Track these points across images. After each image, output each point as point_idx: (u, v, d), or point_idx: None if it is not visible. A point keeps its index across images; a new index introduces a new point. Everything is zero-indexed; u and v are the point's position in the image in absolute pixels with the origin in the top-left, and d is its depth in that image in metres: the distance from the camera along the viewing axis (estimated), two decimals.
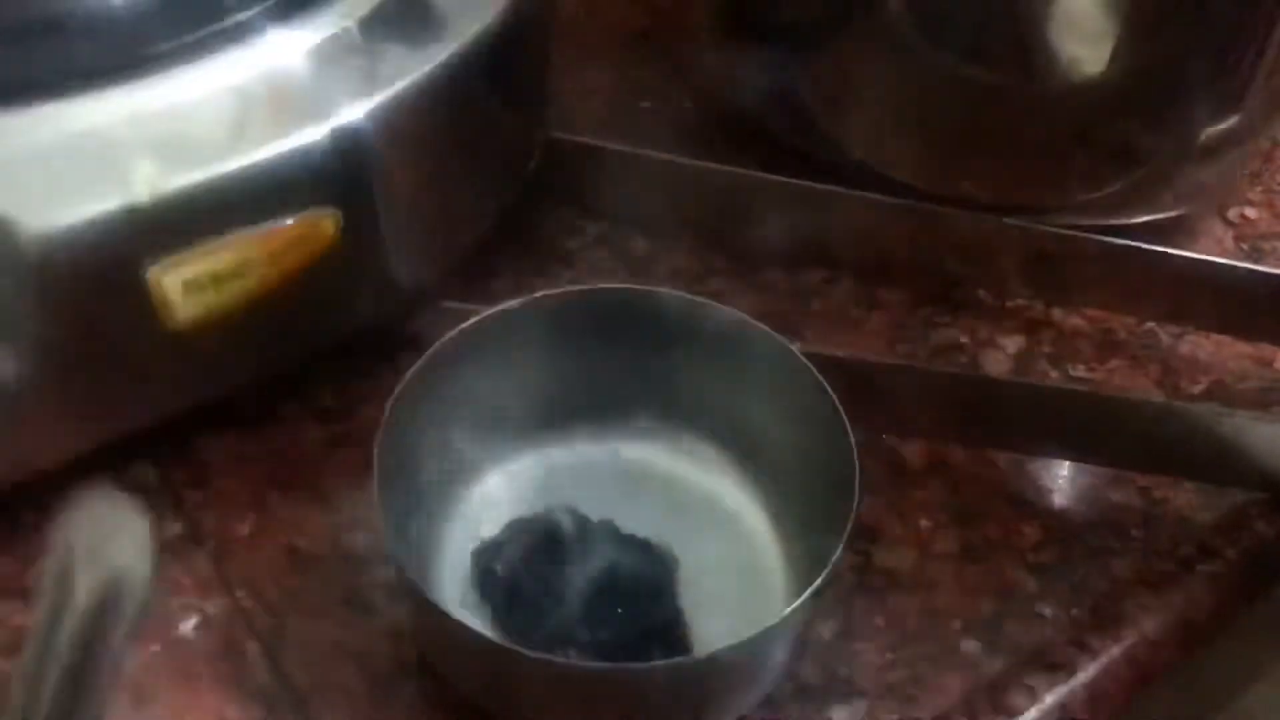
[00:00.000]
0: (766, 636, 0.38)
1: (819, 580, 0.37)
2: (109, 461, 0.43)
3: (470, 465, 0.45)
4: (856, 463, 0.39)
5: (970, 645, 0.43)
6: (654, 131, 0.62)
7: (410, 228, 0.46)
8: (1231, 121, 0.53)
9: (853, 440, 0.40)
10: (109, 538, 0.26)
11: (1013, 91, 0.52)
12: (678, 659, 0.39)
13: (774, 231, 0.56)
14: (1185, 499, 0.48)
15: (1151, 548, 0.46)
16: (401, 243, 0.46)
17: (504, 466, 0.46)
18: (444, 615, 0.37)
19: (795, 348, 0.43)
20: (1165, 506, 0.47)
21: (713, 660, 0.37)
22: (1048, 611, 0.44)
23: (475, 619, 0.42)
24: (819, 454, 0.42)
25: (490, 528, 0.44)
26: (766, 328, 0.43)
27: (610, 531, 0.44)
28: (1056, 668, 0.42)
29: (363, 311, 0.47)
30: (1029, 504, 0.47)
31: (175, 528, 0.45)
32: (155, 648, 0.41)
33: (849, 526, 0.38)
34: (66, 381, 0.40)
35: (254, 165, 0.39)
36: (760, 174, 0.56)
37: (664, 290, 0.45)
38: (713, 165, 0.56)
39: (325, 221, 0.42)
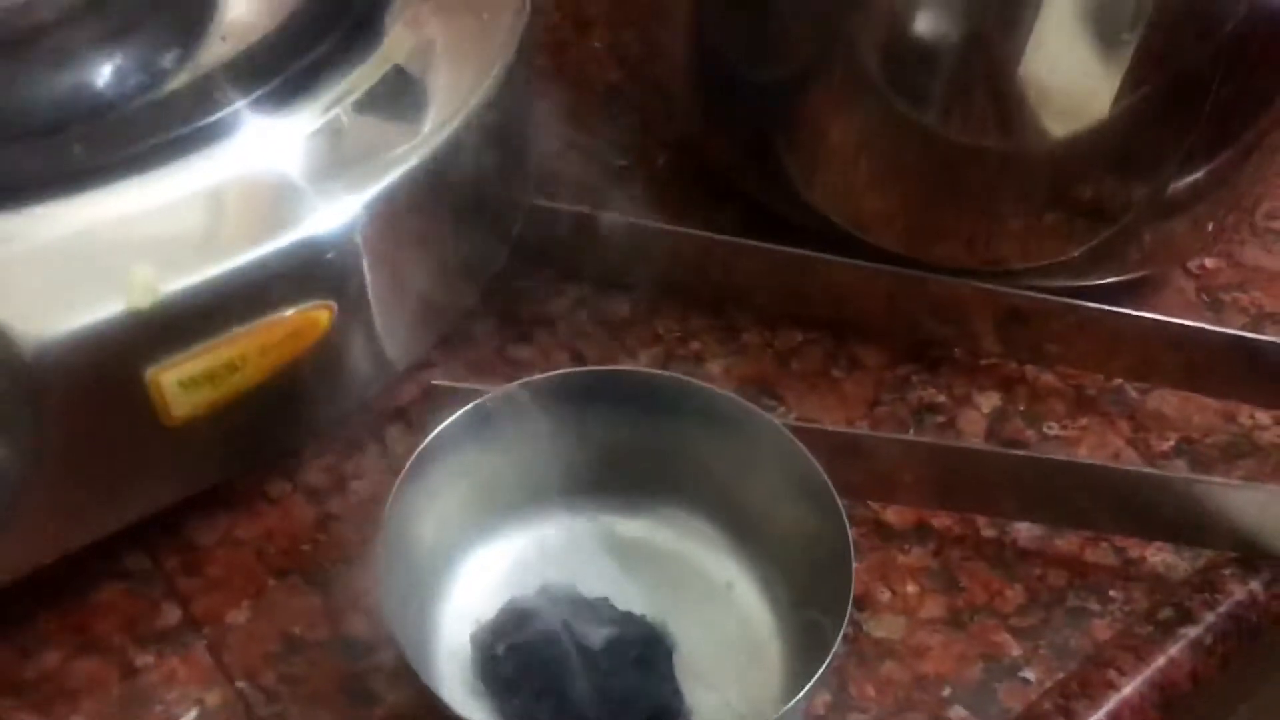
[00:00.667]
0: None
1: (821, 669, 0.38)
2: (103, 550, 0.43)
3: (464, 543, 0.46)
4: (851, 546, 0.40)
5: (960, 713, 0.44)
6: (630, 190, 0.62)
7: (401, 311, 0.47)
8: (1198, 176, 0.54)
9: (847, 523, 0.41)
10: None
11: (986, 152, 0.54)
12: None
13: (752, 294, 0.57)
14: (1160, 558, 0.49)
15: (1130, 609, 0.47)
16: (392, 326, 0.46)
17: (497, 544, 0.46)
18: (443, 705, 0.38)
19: (788, 429, 0.44)
20: (1141, 566, 0.49)
21: None
22: (1032, 676, 0.45)
23: (477, 707, 0.42)
24: (813, 531, 0.43)
25: (486, 607, 0.45)
26: (762, 411, 0.44)
27: (607, 610, 0.44)
28: None
29: (353, 394, 0.47)
30: (1010, 566, 0.49)
31: (173, 616, 0.44)
32: None
33: (846, 615, 0.39)
34: (64, 481, 0.40)
35: (251, 263, 0.39)
36: (736, 239, 0.56)
37: (661, 373, 0.46)
38: (690, 231, 0.57)
39: (320, 314, 0.42)
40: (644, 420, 0.46)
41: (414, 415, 0.51)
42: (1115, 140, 0.52)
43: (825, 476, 0.42)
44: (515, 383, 0.44)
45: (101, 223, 0.39)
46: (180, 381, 0.39)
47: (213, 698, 0.43)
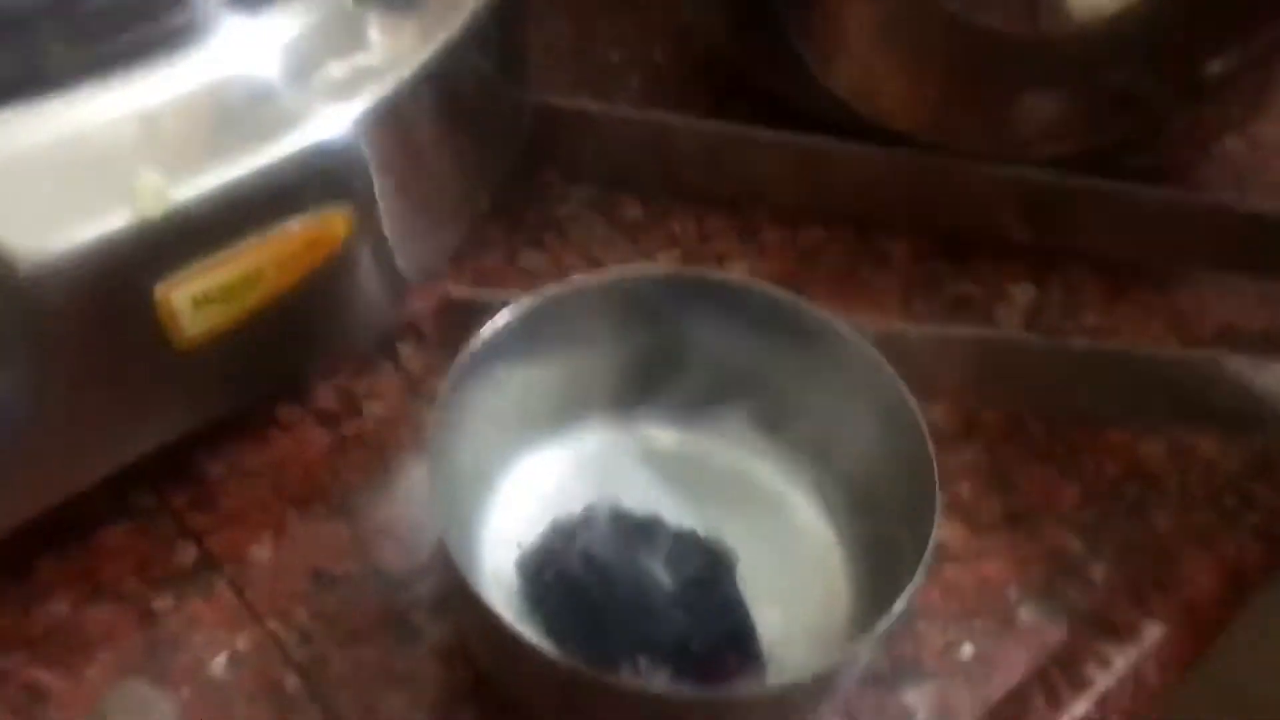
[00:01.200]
0: (851, 656, 0.36)
1: (913, 583, 0.35)
2: (104, 489, 0.40)
3: (503, 462, 0.43)
4: (932, 452, 0.38)
5: (1028, 614, 0.43)
6: (627, 85, 0.59)
7: (415, 217, 0.43)
8: (1231, 60, 0.52)
9: (924, 426, 0.38)
10: None
11: (1013, 37, 0.51)
12: (772, 686, 0.38)
13: (769, 188, 0.54)
14: (1211, 446, 0.48)
15: (1188, 500, 0.46)
16: (407, 233, 0.43)
17: (536, 462, 0.43)
18: (516, 638, 0.35)
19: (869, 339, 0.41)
20: (1194, 456, 0.47)
21: (811, 679, 0.36)
22: (1098, 573, 0.44)
23: (531, 633, 0.40)
24: (879, 438, 0.40)
25: (528, 530, 0.42)
26: (824, 311, 0.41)
27: (658, 527, 0.42)
28: (1120, 632, 0.42)
29: (370, 309, 0.43)
30: (1062, 463, 0.47)
31: (188, 555, 0.41)
32: (186, 692, 0.38)
33: (935, 523, 0.36)
34: (69, 413, 0.36)
35: (267, 167, 0.35)
36: (750, 129, 0.53)
37: (712, 273, 0.43)
38: (700, 121, 0.54)
39: (336, 220, 0.38)
40: (690, 324, 0.42)
41: (427, 330, 0.48)
42: (1150, 22, 0.50)
43: (899, 379, 0.39)
44: (560, 283, 0.41)
45: (92, 127, 0.34)
46: (194, 299, 0.35)
47: (243, 641, 0.39)
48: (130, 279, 0.34)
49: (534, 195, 0.53)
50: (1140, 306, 0.52)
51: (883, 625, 0.35)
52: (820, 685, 0.37)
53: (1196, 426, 0.48)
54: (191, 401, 0.39)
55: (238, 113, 0.37)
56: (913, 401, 0.39)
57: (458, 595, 0.37)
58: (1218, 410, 0.48)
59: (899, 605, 0.35)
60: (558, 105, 0.52)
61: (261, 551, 0.41)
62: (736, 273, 0.52)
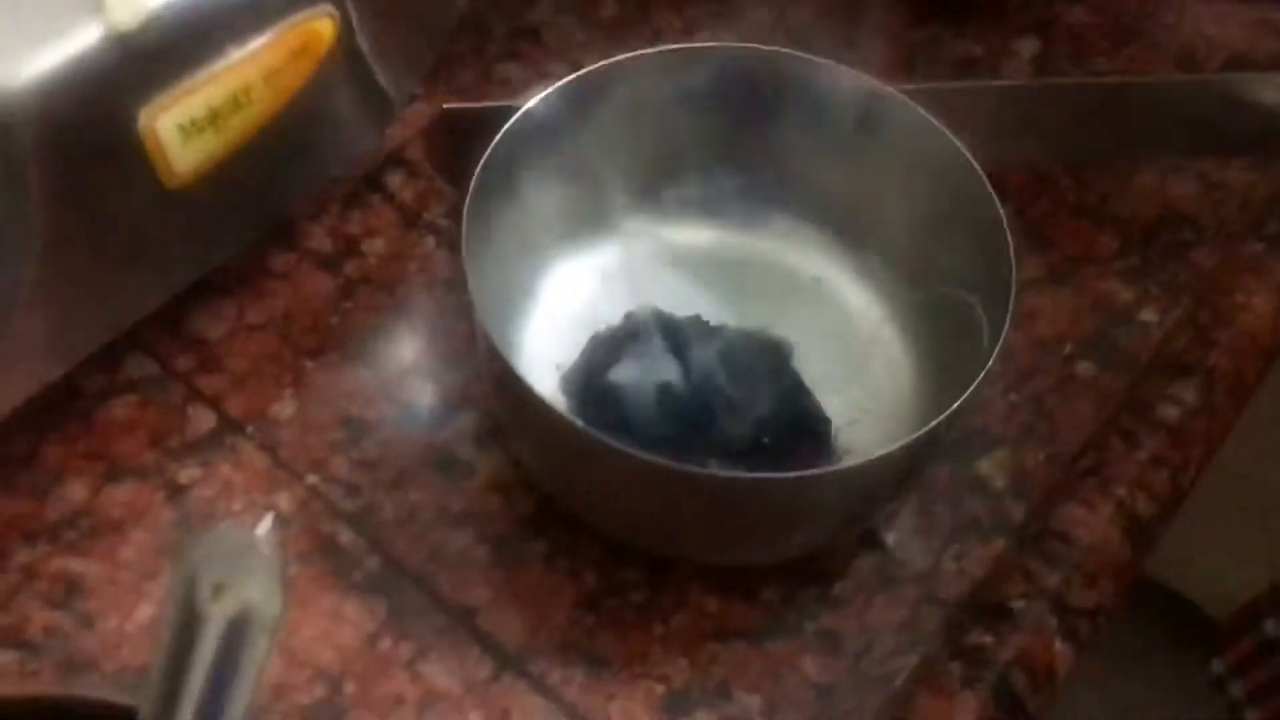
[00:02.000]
0: (923, 440, 0.34)
1: (996, 348, 0.34)
2: (98, 362, 0.36)
3: (528, 281, 0.40)
4: (1001, 212, 0.36)
5: (1087, 368, 0.41)
6: None
7: (393, 23, 0.39)
8: None
9: (989, 185, 0.36)
10: (239, 572, 0.23)
11: None
12: (840, 467, 0.36)
13: None
14: (1242, 177, 0.46)
15: (1228, 232, 0.44)
16: (385, 43, 0.39)
17: (558, 279, 0.40)
18: (590, 436, 0.33)
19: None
20: (1225, 189, 0.46)
21: (872, 465, 0.34)
22: (1152, 316, 0.42)
23: None
24: (927, 204, 0.38)
25: (564, 350, 0.39)
26: (866, 75, 0.38)
27: (704, 327, 0.39)
28: (1184, 369, 0.41)
29: (355, 132, 0.40)
30: (1094, 213, 0.45)
31: (205, 421, 0.38)
32: None
33: (1013, 286, 0.34)
34: (62, 270, 0.32)
35: None
36: None
37: (736, 44, 0.39)
38: None
39: (323, 23, 0.34)
40: (705, 107, 0.40)
41: (414, 157, 0.44)
42: None
43: (955, 138, 0.37)
44: (575, 74, 0.38)
45: None
46: (180, 125, 0.32)
47: (285, 501, 0.36)
48: (111, 105, 0.30)
49: (502, 2, 0.49)
50: (1147, 46, 0.50)
51: (958, 403, 0.33)
52: (896, 465, 0.35)
53: (1223, 157, 0.47)
54: (190, 249, 0.36)
55: None
56: (968, 155, 0.37)
57: (508, 398, 0.35)
58: (1241, 136, 0.46)
59: (981, 375, 0.33)
60: None
61: (284, 408, 0.38)
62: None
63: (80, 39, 0.29)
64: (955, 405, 0.33)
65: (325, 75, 0.35)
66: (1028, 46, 0.50)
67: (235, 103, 0.33)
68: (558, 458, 0.36)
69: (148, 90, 0.30)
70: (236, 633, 0.23)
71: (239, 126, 0.33)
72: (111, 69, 0.29)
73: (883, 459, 0.34)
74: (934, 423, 0.33)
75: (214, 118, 0.32)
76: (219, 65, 0.32)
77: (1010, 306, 0.34)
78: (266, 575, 0.23)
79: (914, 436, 0.34)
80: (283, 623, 0.23)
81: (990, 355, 0.34)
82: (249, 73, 0.32)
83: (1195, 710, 0.82)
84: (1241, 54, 0.50)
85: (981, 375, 0.33)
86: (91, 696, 0.26)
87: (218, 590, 0.23)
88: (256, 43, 0.32)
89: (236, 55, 0.32)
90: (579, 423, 0.32)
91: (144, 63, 0.30)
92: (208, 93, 0.32)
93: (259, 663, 0.24)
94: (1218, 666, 0.78)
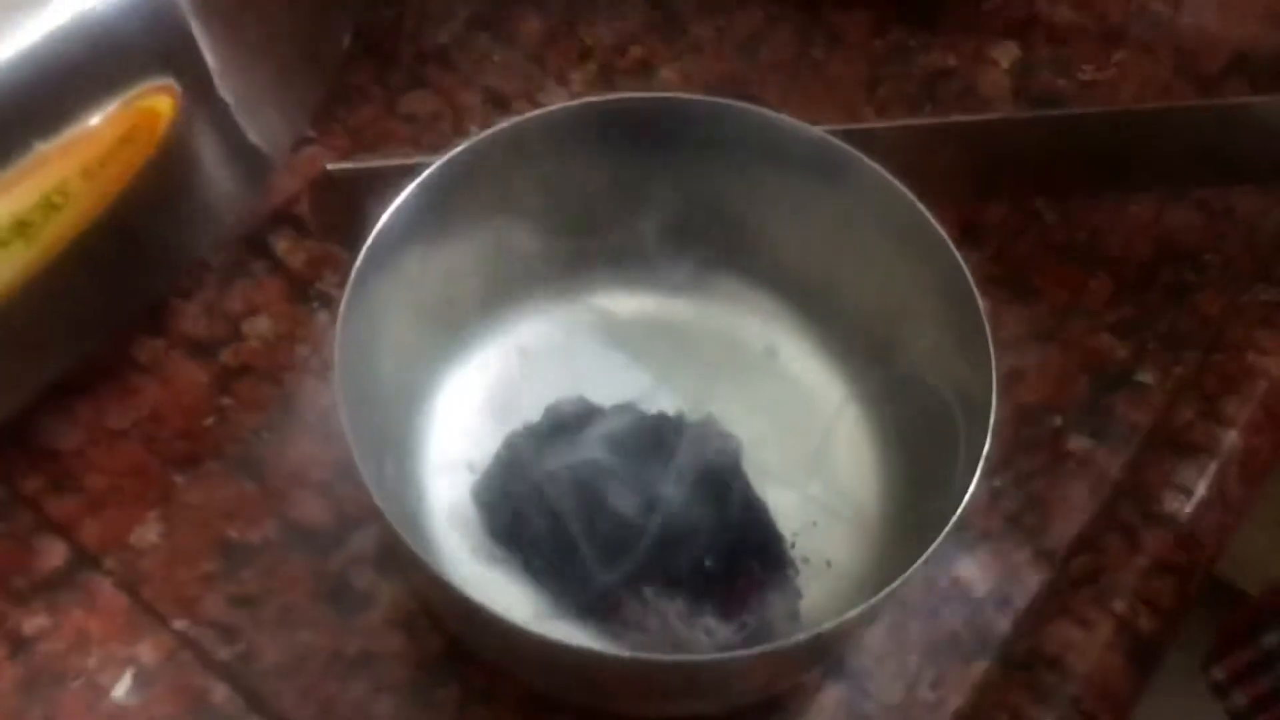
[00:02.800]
0: (901, 589, 0.29)
1: (983, 451, 0.28)
2: None
3: (430, 372, 0.34)
4: (973, 283, 0.30)
5: (1081, 443, 0.36)
6: None
7: (260, 73, 0.33)
8: None
9: (957, 254, 0.31)
10: None
11: None
12: (793, 641, 0.30)
13: None
14: (1247, 204, 0.41)
15: (1234, 272, 0.39)
16: (253, 96, 0.33)
17: (469, 364, 0.35)
18: (479, 610, 0.27)
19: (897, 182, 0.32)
20: (1230, 219, 0.41)
21: (839, 627, 0.28)
22: (1149, 378, 0.37)
23: (501, 578, 0.32)
24: (893, 272, 0.33)
25: (477, 449, 0.34)
26: (813, 127, 0.33)
27: (637, 418, 0.34)
28: (1191, 447, 0.35)
29: (224, 200, 0.34)
30: (1084, 252, 0.40)
31: (55, 554, 0.32)
32: None
33: (993, 371, 0.29)
34: None
35: (55, 34, 0.25)
36: None
37: (677, 95, 0.34)
38: None
39: (157, 100, 0.28)
40: (628, 162, 0.34)
41: (303, 214, 0.38)
42: None
43: (912, 197, 0.31)
44: (462, 143, 0.32)
45: None
46: None
47: (147, 651, 0.31)
48: None
49: (405, 22, 0.43)
50: (1139, 50, 0.44)
51: (942, 535, 0.28)
52: (864, 619, 0.30)
53: (1228, 183, 0.41)
54: (23, 365, 0.30)
55: None
56: (934, 222, 0.31)
57: (399, 558, 0.30)
58: (1249, 160, 0.41)
59: (961, 506, 0.28)
60: None
61: (148, 532, 0.33)
62: (669, 78, 0.43)
63: None
64: (930, 548, 0.28)
65: (170, 155, 0.29)
66: (1005, 54, 0.44)
67: (49, 205, 0.27)
68: (464, 629, 0.30)
69: None
70: None
71: (57, 232, 0.27)
72: None
73: (848, 621, 0.28)
74: (899, 579, 0.28)
75: (21, 228, 0.26)
76: (20, 164, 0.26)
77: (991, 418, 0.29)
78: None
79: (876, 599, 0.28)
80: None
81: (972, 472, 0.29)
82: (61, 168, 0.27)
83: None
84: (1247, 54, 0.44)
85: (961, 506, 0.28)
86: None
87: None
88: (70, 132, 0.26)
89: (42, 148, 0.26)
90: (484, 605, 0.27)
91: None
92: (11, 197, 0.26)
93: None
94: (1218, 674, 0.74)
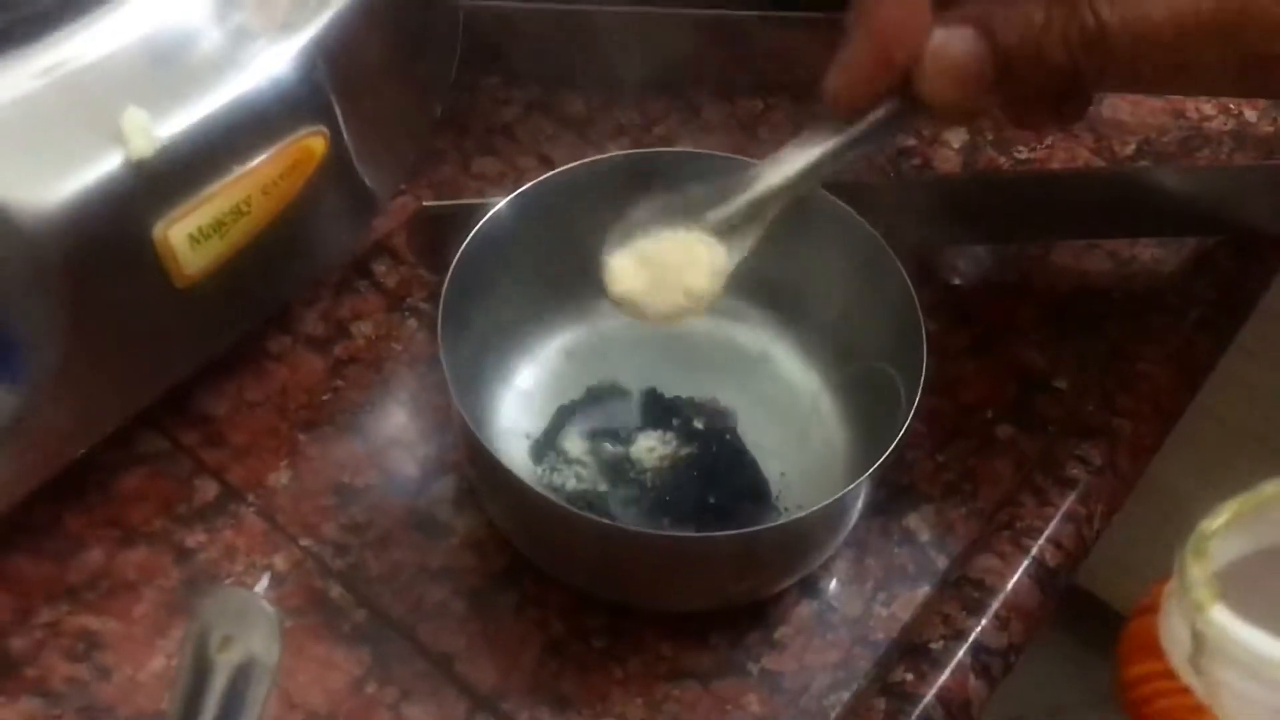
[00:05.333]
0: (855, 491, 0.38)
1: (907, 421, 0.38)
2: (113, 438, 0.41)
3: (502, 360, 0.44)
4: (912, 290, 0.40)
5: (1006, 431, 0.46)
6: None
7: (378, 133, 0.44)
8: None
9: (902, 268, 0.41)
10: (243, 626, 0.28)
11: None
12: (780, 522, 0.40)
13: (700, 68, 0.56)
14: (1149, 254, 0.51)
15: (1135, 303, 0.49)
16: (371, 151, 0.43)
17: (530, 357, 0.45)
18: (556, 505, 0.37)
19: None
20: (1134, 265, 0.51)
21: (808, 518, 0.38)
22: (1063, 384, 0.47)
23: None
24: (855, 288, 0.43)
25: (533, 420, 0.44)
26: (826, 192, 0.43)
27: (658, 398, 0.44)
28: (1092, 432, 0.45)
29: (344, 229, 0.44)
30: (1016, 289, 0.50)
31: (209, 490, 0.42)
32: None
33: (924, 361, 0.39)
34: (81, 365, 0.36)
35: (240, 98, 0.36)
36: (666, 10, 0.54)
37: (685, 149, 0.44)
38: (618, 9, 0.55)
39: (314, 141, 0.39)
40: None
41: (398, 246, 0.49)
42: None
43: (874, 230, 0.41)
44: (543, 175, 0.42)
45: (66, 74, 0.35)
46: (190, 235, 0.36)
47: (281, 561, 0.41)
48: (129, 222, 0.35)
49: (477, 102, 0.54)
50: (1065, 135, 0.55)
51: (883, 459, 0.38)
52: (830, 517, 0.39)
53: (1132, 236, 0.51)
54: (196, 339, 0.40)
55: (199, 46, 0.37)
56: (889, 249, 0.41)
57: (481, 468, 0.39)
58: (1151, 219, 0.51)
59: (898, 438, 0.38)
60: (490, 7, 0.52)
61: (280, 477, 0.43)
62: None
63: (103, 166, 0.33)
64: (873, 468, 0.37)
65: (316, 184, 0.40)
66: (956, 137, 0.54)
67: (237, 212, 0.37)
68: (526, 521, 0.40)
69: (162, 207, 0.35)
70: (241, 679, 0.28)
71: (240, 232, 0.38)
72: (130, 191, 0.34)
73: (814, 514, 0.38)
74: (854, 484, 0.37)
75: (219, 226, 0.37)
76: (223, 181, 0.36)
77: (922, 379, 0.38)
78: (267, 629, 0.28)
79: (841, 493, 0.38)
80: (279, 670, 0.28)
81: (905, 422, 0.38)
82: (249, 186, 0.37)
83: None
84: (1153, 140, 0.55)
85: (896, 440, 0.38)
86: None
87: (225, 642, 0.28)
88: (256, 160, 0.37)
89: (239, 171, 0.37)
90: (544, 491, 0.37)
91: (158, 184, 0.35)
92: (214, 205, 0.36)
93: (260, 705, 0.28)
94: None
